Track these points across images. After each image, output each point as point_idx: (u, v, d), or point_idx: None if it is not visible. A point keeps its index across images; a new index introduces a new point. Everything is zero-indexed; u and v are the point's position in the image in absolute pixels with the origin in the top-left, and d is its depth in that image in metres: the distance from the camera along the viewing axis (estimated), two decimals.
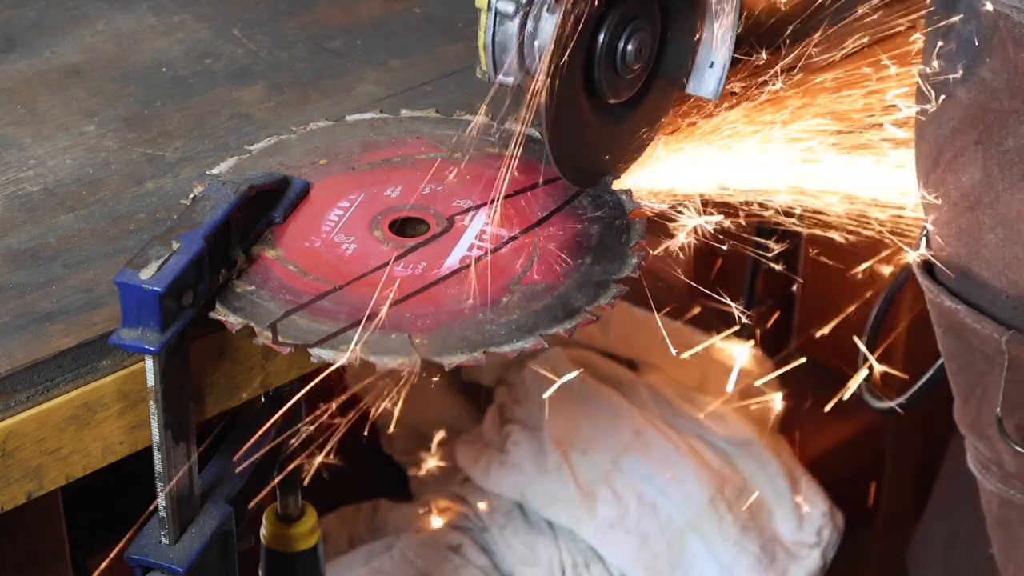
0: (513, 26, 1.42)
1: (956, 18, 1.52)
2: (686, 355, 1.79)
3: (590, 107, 1.49)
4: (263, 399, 1.57)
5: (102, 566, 1.40)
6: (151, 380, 1.31)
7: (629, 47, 1.47)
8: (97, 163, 1.59)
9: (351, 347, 1.34)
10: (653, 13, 1.50)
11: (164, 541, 1.39)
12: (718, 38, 1.54)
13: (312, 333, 1.34)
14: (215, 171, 1.53)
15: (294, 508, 1.74)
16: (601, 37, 1.45)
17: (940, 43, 1.55)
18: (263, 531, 1.74)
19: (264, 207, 1.45)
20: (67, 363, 1.36)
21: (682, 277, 1.61)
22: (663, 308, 1.67)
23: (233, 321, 1.35)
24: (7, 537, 1.48)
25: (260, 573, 1.77)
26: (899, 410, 1.80)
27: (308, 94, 1.70)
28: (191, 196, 1.43)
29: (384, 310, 1.37)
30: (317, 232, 1.45)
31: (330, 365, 1.34)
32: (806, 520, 2.44)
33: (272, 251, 1.43)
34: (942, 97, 1.54)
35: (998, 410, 1.56)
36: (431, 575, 2.35)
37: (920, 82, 1.59)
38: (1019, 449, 1.57)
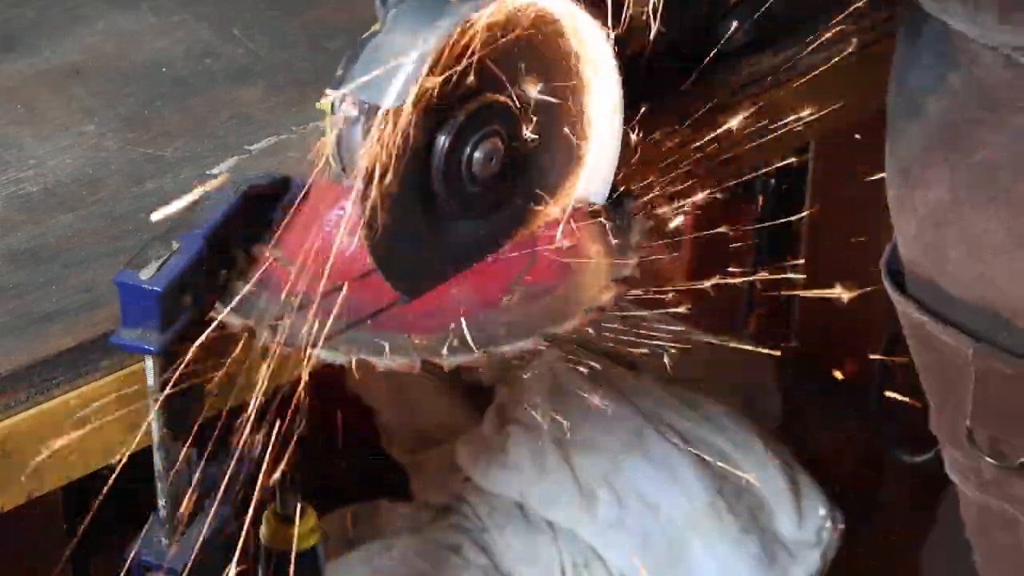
0: (358, 130, 1.33)
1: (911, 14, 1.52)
2: None
3: (429, 217, 1.40)
4: (263, 399, 1.57)
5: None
6: (151, 380, 1.31)
7: (477, 155, 1.38)
8: (97, 163, 1.59)
9: (351, 347, 1.34)
10: (511, 116, 1.40)
11: (164, 541, 1.39)
12: (604, 143, 1.46)
13: (312, 333, 1.34)
14: (215, 171, 1.52)
15: (294, 508, 1.74)
16: (442, 142, 1.35)
17: (908, 53, 1.56)
18: (263, 531, 1.74)
19: (264, 207, 1.45)
20: (67, 363, 1.36)
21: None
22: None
23: (233, 321, 1.35)
24: (7, 537, 1.48)
25: (260, 573, 1.77)
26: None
27: (308, 94, 1.70)
28: None
29: (383, 310, 1.37)
30: (317, 232, 1.45)
31: (330, 365, 1.34)
32: (806, 520, 2.44)
33: (272, 251, 1.42)
34: (913, 109, 1.54)
35: (967, 422, 1.55)
36: (431, 575, 2.35)
37: (891, 93, 1.59)
38: (990, 460, 1.56)
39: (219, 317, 1.36)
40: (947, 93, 1.50)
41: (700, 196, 1.55)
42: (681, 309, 1.49)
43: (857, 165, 1.67)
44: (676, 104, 1.62)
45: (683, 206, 1.54)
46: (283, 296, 1.38)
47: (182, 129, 1.64)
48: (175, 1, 1.84)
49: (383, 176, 1.31)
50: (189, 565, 1.38)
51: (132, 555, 1.39)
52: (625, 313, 1.47)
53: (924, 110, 1.53)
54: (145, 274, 1.30)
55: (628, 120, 1.47)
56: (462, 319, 1.37)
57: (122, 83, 1.71)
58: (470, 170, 1.38)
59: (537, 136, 1.42)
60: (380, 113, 1.30)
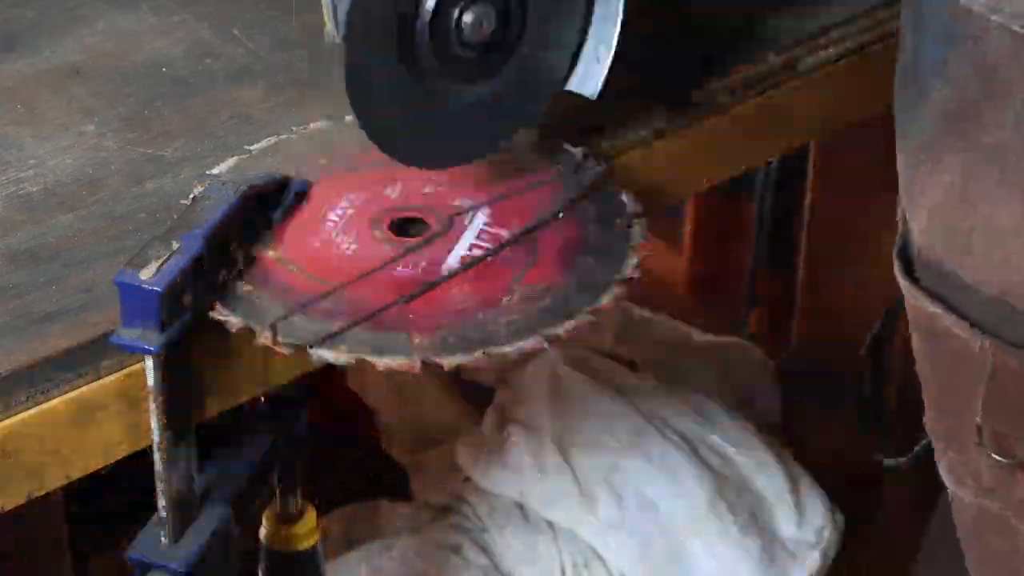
0: None
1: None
2: None
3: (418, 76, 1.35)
4: (263, 399, 1.57)
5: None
6: (151, 380, 1.31)
7: (466, 17, 1.34)
8: (97, 163, 1.59)
9: (351, 347, 1.34)
10: None
11: (164, 541, 1.39)
12: (603, 30, 1.42)
13: (312, 333, 1.34)
14: (215, 171, 1.53)
15: (294, 508, 1.74)
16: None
17: (912, 37, 1.55)
18: (263, 531, 1.74)
19: (264, 207, 1.45)
20: (67, 363, 1.36)
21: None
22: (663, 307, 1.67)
23: (233, 321, 1.35)
24: (7, 536, 1.48)
25: (260, 573, 1.77)
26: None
27: (308, 94, 1.70)
28: (191, 196, 1.43)
29: (384, 310, 1.37)
30: (317, 232, 1.45)
31: (330, 365, 1.34)
32: (806, 520, 2.44)
33: (272, 251, 1.42)
34: (920, 94, 1.53)
35: (978, 418, 1.54)
36: (431, 575, 2.35)
37: (898, 81, 1.58)
38: (998, 457, 1.55)
39: (219, 317, 1.36)
40: (951, 74, 1.49)
41: (700, 197, 1.55)
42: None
43: (858, 165, 1.67)
44: (675, 105, 1.63)
45: (683, 206, 1.54)
46: (283, 296, 1.38)
47: (182, 129, 1.64)
48: (175, 1, 1.84)
49: (371, 34, 1.28)
50: (189, 565, 1.38)
51: (132, 555, 1.39)
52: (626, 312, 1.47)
53: (930, 95, 1.52)
54: (145, 274, 1.30)
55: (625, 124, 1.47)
56: (462, 319, 1.37)
57: (122, 83, 1.71)
58: (459, 32, 1.35)
59: (533, 8, 1.39)
60: None
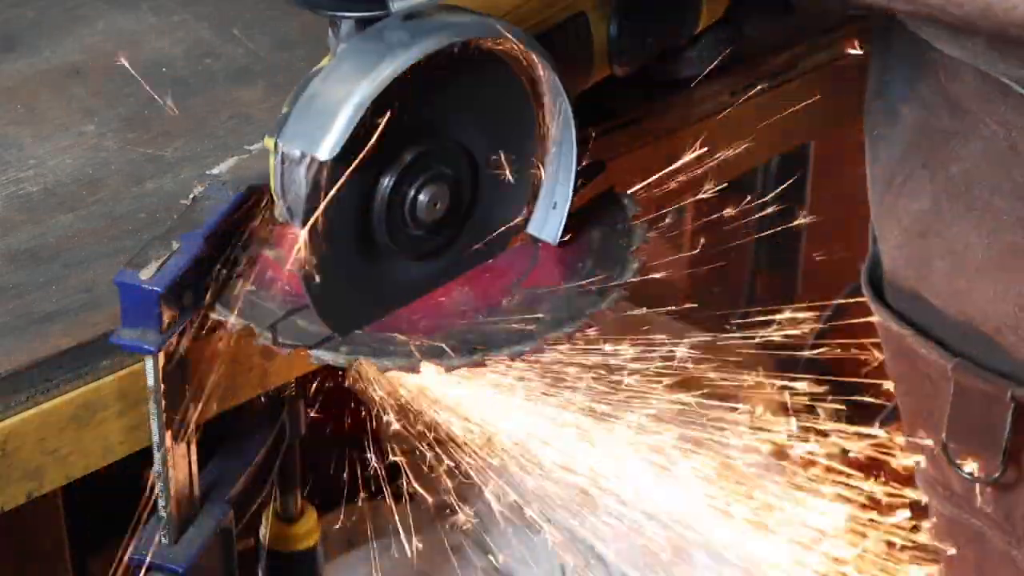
0: (300, 171, 1.28)
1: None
2: None
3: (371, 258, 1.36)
4: (263, 399, 1.57)
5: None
6: (151, 380, 1.31)
7: (421, 198, 1.34)
8: (97, 163, 1.59)
9: (351, 347, 1.34)
10: (459, 160, 1.37)
11: (164, 541, 1.39)
12: (560, 177, 1.43)
13: (312, 334, 1.34)
14: (215, 171, 1.52)
15: (294, 508, 1.74)
16: (386, 182, 1.32)
17: (883, 60, 1.55)
18: (263, 531, 1.74)
19: (264, 207, 1.44)
20: (67, 363, 1.36)
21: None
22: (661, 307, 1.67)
23: (233, 321, 1.35)
24: (7, 536, 1.48)
25: (260, 573, 1.77)
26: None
27: None
28: (191, 196, 1.43)
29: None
30: None
31: (330, 366, 1.34)
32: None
33: (272, 251, 1.42)
34: (890, 117, 1.54)
35: (943, 435, 1.55)
36: (431, 575, 2.35)
37: (868, 102, 1.59)
38: (965, 475, 1.55)
39: (219, 317, 1.36)
40: (918, 101, 1.50)
41: (698, 198, 1.56)
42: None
43: (857, 164, 1.67)
44: (668, 109, 1.63)
45: (682, 210, 1.55)
46: (283, 296, 1.38)
47: (182, 129, 1.64)
48: (175, 1, 1.84)
49: (325, 217, 1.28)
50: (189, 565, 1.38)
51: (132, 555, 1.39)
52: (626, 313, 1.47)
53: (900, 119, 1.52)
54: (145, 274, 1.30)
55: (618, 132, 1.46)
56: (462, 321, 1.37)
57: (122, 83, 1.71)
58: (413, 213, 1.35)
59: (487, 179, 1.40)
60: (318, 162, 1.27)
